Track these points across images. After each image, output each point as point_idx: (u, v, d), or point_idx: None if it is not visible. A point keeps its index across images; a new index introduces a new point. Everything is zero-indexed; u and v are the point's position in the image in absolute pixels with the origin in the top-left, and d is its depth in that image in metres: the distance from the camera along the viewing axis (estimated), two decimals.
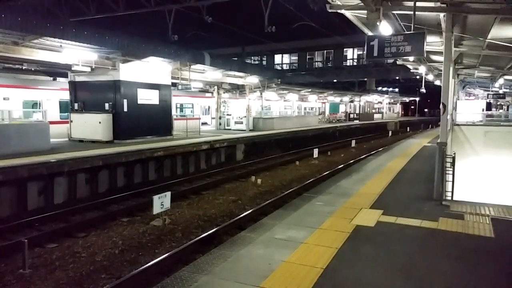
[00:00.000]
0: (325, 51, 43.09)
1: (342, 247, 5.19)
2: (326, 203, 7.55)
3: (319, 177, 14.51)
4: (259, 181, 13.82)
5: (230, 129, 23.81)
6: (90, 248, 7.53)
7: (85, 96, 16.23)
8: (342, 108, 49.24)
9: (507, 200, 9.05)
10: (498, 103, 37.56)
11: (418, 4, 7.10)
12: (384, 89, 63.70)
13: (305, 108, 41.57)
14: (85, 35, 12.23)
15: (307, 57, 44.04)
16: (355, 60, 41.53)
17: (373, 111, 54.31)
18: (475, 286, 4.26)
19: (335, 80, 43.33)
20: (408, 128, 45.27)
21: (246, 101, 25.04)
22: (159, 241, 8.00)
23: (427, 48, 8.47)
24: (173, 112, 19.97)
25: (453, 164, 8.05)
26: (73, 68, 14.36)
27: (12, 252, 7.06)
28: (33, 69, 16.96)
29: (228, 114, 25.87)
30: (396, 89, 67.15)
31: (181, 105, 25.84)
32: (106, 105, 15.48)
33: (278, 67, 44.90)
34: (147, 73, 16.51)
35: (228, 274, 4.38)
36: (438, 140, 7.90)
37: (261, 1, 13.27)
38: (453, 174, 8.07)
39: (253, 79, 23.30)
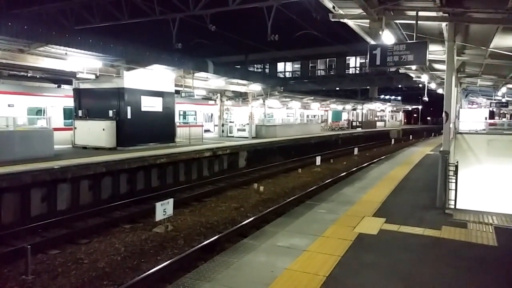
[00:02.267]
0: (327, 59, 43.24)
1: (345, 255, 5.19)
2: (328, 210, 7.55)
3: (321, 184, 14.50)
4: (261, 188, 13.81)
5: (232, 137, 23.86)
6: (92, 255, 7.54)
7: (89, 103, 16.35)
8: (344, 116, 49.26)
9: (511, 209, 9.01)
10: (501, 112, 37.53)
11: (421, 13, 7.17)
12: (387, 97, 63.73)
13: (307, 116, 41.63)
14: (90, 43, 12.37)
15: (310, 65, 44.17)
16: (358, 68, 41.63)
17: (376, 119, 54.30)
18: None
19: (337, 88, 43.39)
20: (410, 136, 45.21)
21: (249, 109, 25.13)
22: (161, 248, 8.00)
23: (429, 57, 8.50)
24: (176, 119, 20.05)
25: (456, 172, 8.05)
26: (77, 76, 14.48)
27: (15, 258, 7.07)
28: (38, 76, 17.11)
29: (231, 122, 25.95)
30: (399, 97, 67.14)
31: (184, 112, 25.94)
32: (110, 112, 15.58)
33: (281, 75, 45.05)
34: (151, 81, 16.63)
35: (230, 282, 4.38)
36: (441, 149, 7.91)
37: (264, 10, 13.36)
38: (456, 183, 8.07)
39: (256, 87, 23.41)
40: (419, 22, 7.20)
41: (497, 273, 4.78)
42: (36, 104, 16.90)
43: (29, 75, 16.43)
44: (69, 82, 17.31)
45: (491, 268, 4.93)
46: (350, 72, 42.00)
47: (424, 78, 17.42)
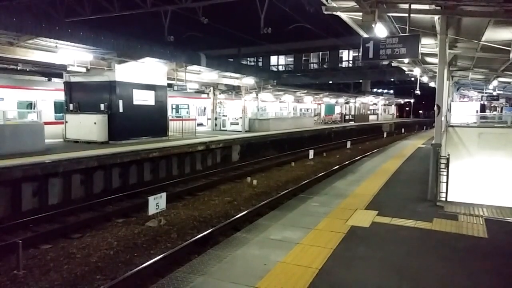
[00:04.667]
0: (320, 52, 43.27)
1: (337, 247, 5.22)
2: (321, 204, 7.58)
3: (314, 178, 14.55)
4: (254, 182, 13.82)
5: (226, 130, 23.81)
6: (85, 249, 7.50)
7: (80, 97, 16.16)
8: (337, 110, 49.35)
9: (501, 201, 9.13)
10: (492, 105, 37.84)
11: (413, 6, 7.17)
12: (379, 90, 64.01)
13: (300, 110, 41.65)
14: (80, 35, 12.20)
15: (303, 58, 44.19)
16: (351, 62, 41.72)
17: (368, 112, 54.48)
18: (469, 286, 4.30)
19: (330, 82, 43.51)
20: (403, 130, 45.48)
21: (242, 102, 25.05)
22: (154, 242, 7.99)
23: (421, 50, 8.54)
24: (169, 113, 19.94)
25: (447, 165, 8.12)
26: (68, 69, 14.29)
27: (6, 253, 7.01)
28: (28, 70, 16.87)
29: (224, 115, 25.87)
30: (391, 91, 67.47)
31: (177, 106, 25.80)
32: (102, 106, 15.43)
33: (274, 68, 44.99)
34: (142, 74, 16.48)
35: (223, 275, 4.39)
36: (433, 142, 7.97)
37: (257, 3, 13.30)
38: (447, 175, 8.14)
39: (249, 80, 23.32)
40: (411, 15, 7.20)
41: (487, 264, 4.84)
42: (26, 97, 16.68)
43: (18, 68, 16.19)
44: (60, 76, 17.09)
45: (481, 259, 4.99)
46: (343, 65, 42.10)
47: (417, 71, 17.49)
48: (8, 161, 10.01)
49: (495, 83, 21.70)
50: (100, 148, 13.27)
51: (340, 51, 41.36)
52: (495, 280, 4.48)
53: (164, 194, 8.76)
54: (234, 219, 9.14)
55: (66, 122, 15.92)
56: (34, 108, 16.63)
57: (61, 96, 16.94)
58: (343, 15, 8.47)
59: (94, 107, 15.57)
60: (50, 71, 17.40)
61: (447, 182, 8.22)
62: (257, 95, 26.06)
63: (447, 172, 8.13)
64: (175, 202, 11.03)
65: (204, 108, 28.50)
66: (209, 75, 20.28)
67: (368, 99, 51.70)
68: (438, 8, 7.32)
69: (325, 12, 8.10)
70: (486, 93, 27.91)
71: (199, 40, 29.91)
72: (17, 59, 13.70)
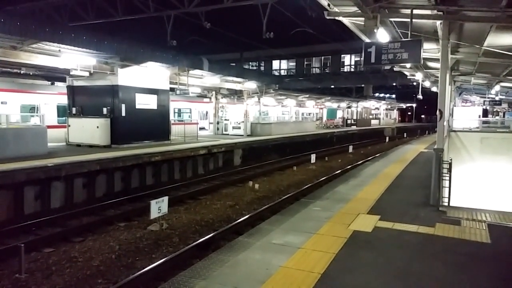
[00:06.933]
0: (322, 57, 43.27)
1: (340, 252, 5.21)
2: (323, 208, 7.57)
3: (316, 182, 14.52)
4: (256, 186, 13.81)
5: (228, 134, 23.83)
6: (87, 253, 7.50)
7: (83, 101, 16.23)
8: (339, 114, 49.37)
9: (504, 206, 9.10)
10: (494, 110, 37.80)
11: (415, 11, 7.19)
12: (381, 95, 63.95)
13: (302, 114, 41.67)
14: (83, 40, 12.28)
15: (305, 63, 44.19)
16: (353, 66, 41.72)
17: (370, 117, 54.46)
18: None
19: (332, 86, 43.50)
20: (405, 134, 45.40)
21: (244, 106, 25.09)
22: (156, 246, 7.98)
23: (423, 55, 8.53)
24: (171, 117, 19.97)
25: (449, 170, 8.10)
26: (71, 73, 14.38)
27: (9, 257, 7.02)
28: (31, 74, 16.97)
29: (226, 119, 25.91)
30: (393, 95, 67.44)
31: (179, 110, 25.87)
32: (104, 110, 15.49)
33: (276, 73, 45.02)
34: (145, 78, 16.55)
35: (225, 279, 4.38)
36: (435, 146, 7.96)
37: (259, 8, 13.36)
38: (449, 180, 8.12)
39: (251, 85, 23.38)
40: (413, 20, 7.22)
41: (490, 270, 4.82)
42: (29, 101, 16.77)
43: (22, 72, 16.28)
44: (63, 79, 17.17)
45: (484, 264, 4.97)
46: (345, 70, 42.09)
47: (419, 76, 17.50)
48: (11, 164, 10.04)
49: (497, 88, 21.68)
50: (103, 152, 13.30)
51: (342, 55, 41.38)
52: (499, 285, 4.46)
53: (166, 198, 8.77)
54: (236, 223, 9.13)
55: (69, 126, 15.98)
56: (37, 112, 16.71)
57: (64, 100, 17.03)
58: (345, 20, 8.48)
59: (96, 111, 15.62)
60: (53, 75, 17.48)
61: (449, 187, 8.19)
62: (259, 99, 26.11)
63: (450, 177, 8.10)
64: (177, 206, 11.02)
65: (206, 112, 28.56)
66: (211, 79, 20.34)
67: (370, 104, 51.70)
68: (440, 13, 7.33)
69: (327, 17, 8.12)
70: (488, 98, 27.88)
71: (202, 45, 29.99)
72: (21, 63, 13.77)
